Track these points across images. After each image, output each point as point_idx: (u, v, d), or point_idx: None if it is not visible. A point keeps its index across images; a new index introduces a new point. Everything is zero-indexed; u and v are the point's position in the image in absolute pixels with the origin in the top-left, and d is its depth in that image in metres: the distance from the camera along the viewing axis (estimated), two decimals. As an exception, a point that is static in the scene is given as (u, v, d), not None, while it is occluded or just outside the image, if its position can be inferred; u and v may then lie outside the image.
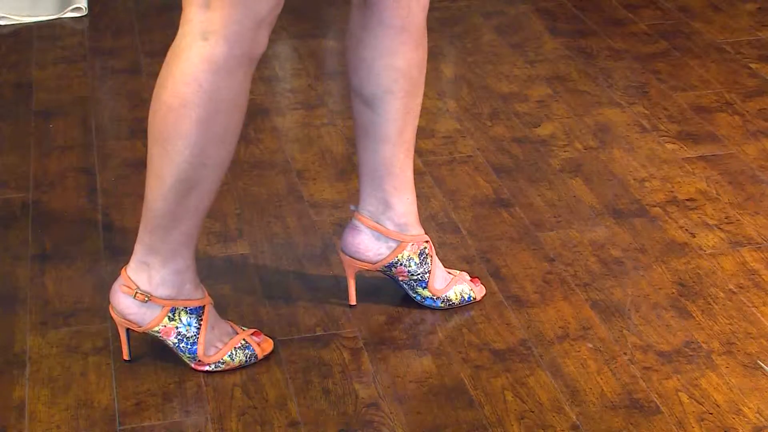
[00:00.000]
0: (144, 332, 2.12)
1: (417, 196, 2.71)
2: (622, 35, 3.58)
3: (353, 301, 2.32)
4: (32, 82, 3.33)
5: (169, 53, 2.00)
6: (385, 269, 2.28)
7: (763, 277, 2.40)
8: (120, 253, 2.51)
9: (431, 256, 2.29)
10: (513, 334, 2.24)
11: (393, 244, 2.26)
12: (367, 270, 2.29)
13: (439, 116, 3.10)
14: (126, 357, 2.17)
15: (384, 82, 2.19)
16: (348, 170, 2.83)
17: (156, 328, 2.11)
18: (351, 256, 2.27)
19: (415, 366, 2.16)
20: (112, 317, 2.14)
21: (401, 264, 2.27)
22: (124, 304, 2.11)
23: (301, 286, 2.39)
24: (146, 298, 2.09)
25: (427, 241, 2.30)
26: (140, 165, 2.86)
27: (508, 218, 2.63)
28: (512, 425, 2.01)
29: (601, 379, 2.12)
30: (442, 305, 2.30)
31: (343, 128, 3.03)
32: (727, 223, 2.59)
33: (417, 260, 2.28)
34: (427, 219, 2.62)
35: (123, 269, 2.12)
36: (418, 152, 2.90)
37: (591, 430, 2.00)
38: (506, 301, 2.34)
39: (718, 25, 3.63)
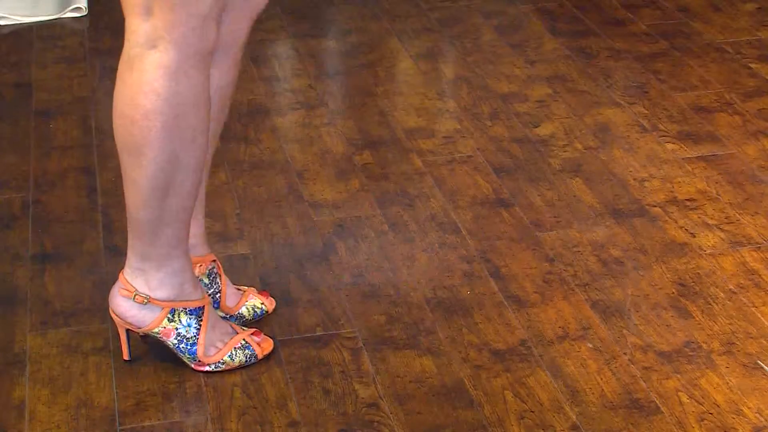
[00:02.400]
0: (144, 333, 2.12)
1: (417, 196, 2.72)
2: (622, 35, 3.58)
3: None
4: (32, 82, 3.33)
5: (120, 66, 1.96)
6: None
7: (763, 277, 2.40)
8: (120, 253, 2.51)
9: (220, 275, 2.25)
10: (513, 334, 2.24)
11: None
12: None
13: (439, 116, 3.10)
14: (126, 357, 2.17)
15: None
16: (348, 170, 2.83)
17: (156, 330, 2.11)
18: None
19: (415, 366, 2.16)
20: (112, 318, 2.14)
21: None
22: (124, 307, 2.11)
23: (301, 286, 2.39)
24: (145, 300, 2.09)
25: (214, 260, 2.25)
26: (140, 165, 2.86)
27: (508, 218, 2.63)
28: (512, 425, 2.01)
29: (601, 379, 2.12)
30: (236, 323, 2.25)
31: (343, 128, 3.03)
32: (727, 223, 2.59)
33: (206, 281, 2.23)
34: (427, 219, 2.62)
35: (120, 273, 2.11)
36: (418, 152, 2.90)
37: (591, 430, 2.00)
38: (506, 301, 2.34)
39: (718, 25, 3.63)
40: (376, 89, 3.25)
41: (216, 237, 2.56)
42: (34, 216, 2.66)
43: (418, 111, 3.12)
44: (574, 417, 2.03)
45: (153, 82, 1.92)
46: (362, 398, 2.08)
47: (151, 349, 2.20)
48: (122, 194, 2.73)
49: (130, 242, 2.08)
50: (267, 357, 2.18)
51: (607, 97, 3.19)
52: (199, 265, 2.22)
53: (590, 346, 2.21)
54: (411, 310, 2.32)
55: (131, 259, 2.09)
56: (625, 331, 2.24)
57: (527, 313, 2.30)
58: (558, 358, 2.17)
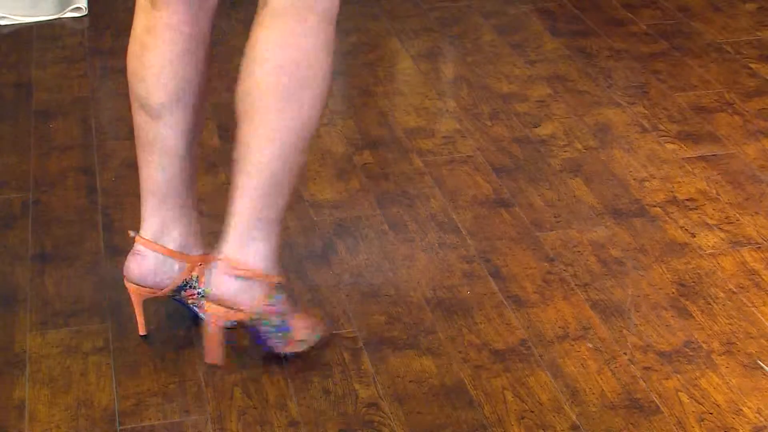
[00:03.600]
0: (248, 318, 2.06)
1: (417, 196, 2.72)
2: (622, 35, 3.58)
3: (143, 330, 2.21)
4: (32, 82, 3.33)
5: (284, 17, 1.96)
6: (174, 293, 2.20)
7: (763, 277, 2.40)
8: (120, 253, 2.51)
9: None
10: (513, 334, 2.24)
11: (181, 266, 2.19)
12: (155, 296, 2.19)
13: (439, 116, 3.10)
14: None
15: (171, 90, 2.12)
16: (348, 170, 2.83)
17: (258, 309, 2.05)
18: (136, 283, 2.17)
19: (415, 366, 2.16)
20: (208, 319, 2.07)
21: (191, 286, 2.20)
22: (234, 288, 2.03)
23: (301, 286, 2.39)
24: (254, 275, 2.04)
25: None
26: (140, 165, 2.86)
27: (508, 218, 2.63)
28: (512, 425, 2.01)
29: (601, 379, 2.12)
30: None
31: (343, 128, 3.03)
32: (727, 223, 2.59)
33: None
34: (427, 219, 2.62)
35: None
36: (418, 152, 2.90)
37: (591, 430, 2.00)
38: (506, 301, 2.34)
39: (718, 25, 3.63)
40: (376, 89, 3.25)
41: (216, 237, 2.56)
42: (34, 216, 2.66)
43: (418, 111, 3.12)
44: (574, 417, 2.03)
45: (331, 37, 1.97)
46: (362, 398, 2.08)
47: (151, 349, 2.20)
48: (122, 194, 2.73)
49: (239, 210, 2.03)
50: (267, 357, 2.18)
51: (607, 97, 3.19)
52: (199, 265, 2.22)
53: (590, 346, 2.21)
54: (411, 310, 2.32)
55: (238, 233, 2.03)
56: (625, 331, 2.24)
57: (527, 313, 2.30)
58: (558, 358, 2.17)
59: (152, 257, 2.17)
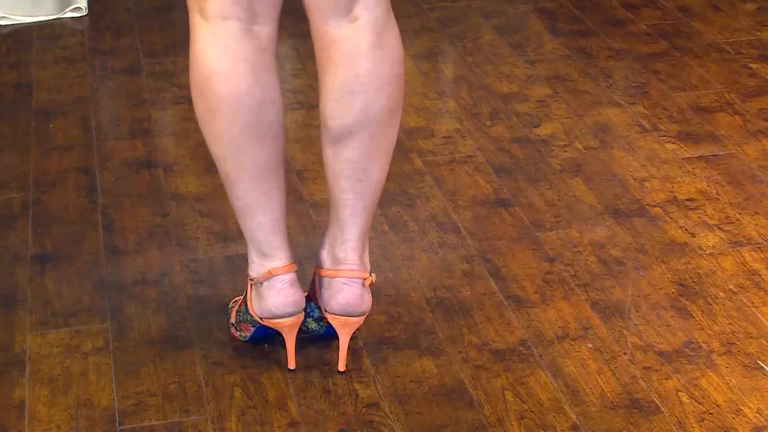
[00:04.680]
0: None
1: (417, 196, 2.72)
2: (622, 35, 3.58)
3: (293, 364, 2.15)
4: (32, 82, 3.33)
5: (377, 32, 1.98)
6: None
7: (763, 277, 2.40)
8: (120, 253, 2.51)
9: None
10: (513, 334, 2.24)
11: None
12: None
13: (439, 116, 3.10)
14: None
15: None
16: (348, 170, 2.83)
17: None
18: (295, 314, 2.10)
19: (415, 366, 2.16)
20: (341, 331, 2.10)
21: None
22: (368, 300, 2.10)
23: (302, 286, 2.39)
24: (371, 281, 2.11)
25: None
26: (140, 165, 2.86)
27: (508, 218, 2.63)
28: (512, 425, 2.01)
29: (601, 379, 2.12)
30: None
31: (343, 128, 3.03)
32: (727, 223, 2.59)
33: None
34: (427, 219, 2.62)
35: (341, 270, 2.08)
36: (418, 152, 2.90)
37: (591, 430, 2.00)
38: (506, 301, 2.34)
39: (718, 25, 3.63)
40: (376, 89, 3.25)
41: (216, 237, 2.56)
42: (34, 216, 2.66)
43: (418, 111, 3.12)
44: (574, 417, 2.03)
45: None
46: (362, 398, 2.08)
47: (151, 349, 2.20)
48: (122, 194, 2.74)
49: (359, 223, 2.07)
50: (267, 357, 2.18)
51: (607, 97, 3.18)
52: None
53: (590, 346, 2.21)
54: (411, 310, 2.32)
55: (358, 248, 2.07)
56: (625, 331, 2.24)
57: (527, 313, 2.30)
58: (558, 358, 2.17)
59: (296, 281, 2.12)
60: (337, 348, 2.17)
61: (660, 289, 2.37)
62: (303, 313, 2.11)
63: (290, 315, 2.09)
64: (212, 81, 1.96)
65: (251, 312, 2.13)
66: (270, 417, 2.04)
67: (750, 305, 2.31)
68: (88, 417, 2.05)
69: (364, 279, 2.08)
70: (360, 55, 1.99)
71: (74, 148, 2.96)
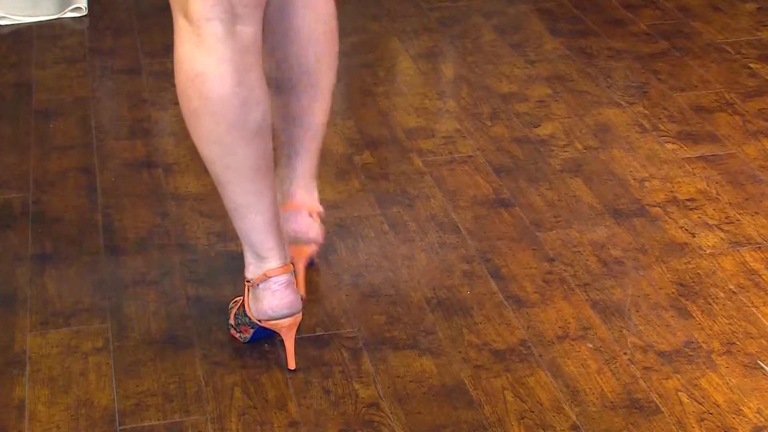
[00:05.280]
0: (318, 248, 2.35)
1: (417, 196, 2.72)
2: (622, 35, 3.58)
3: (294, 364, 2.15)
4: (32, 82, 3.33)
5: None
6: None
7: (763, 277, 2.40)
8: (120, 253, 2.51)
9: None
10: (513, 334, 2.24)
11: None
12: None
13: (439, 116, 3.10)
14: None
15: None
16: (348, 170, 2.83)
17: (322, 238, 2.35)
18: (294, 314, 2.12)
19: (415, 366, 2.16)
20: (298, 258, 2.28)
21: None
22: (314, 228, 2.31)
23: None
24: (317, 213, 2.32)
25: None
26: (140, 165, 2.86)
27: (508, 218, 2.63)
28: (512, 425, 2.01)
29: (601, 379, 2.12)
30: None
31: (343, 128, 3.03)
32: (727, 223, 2.59)
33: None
34: (427, 219, 2.62)
35: (288, 205, 2.27)
36: (418, 152, 2.90)
37: (591, 430, 2.00)
38: (506, 301, 2.34)
39: (718, 25, 3.63)
40: (376, 89, 3.25)
41: (216, 237, 2.56)
42: (34, 216, 2.66)
43: (418, 111, 3.12)
44: (574, 417, 2.03)
45: None
46: (362, 398, 2.08)
47: (151, 349, 2.20)
48: (122, 194, 2.74)
49: (304, 163, 2.28)
50: (266, 357, 2.18)
51: (607, 97, 3.19)
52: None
53: (590, 346, 2.21)
54: (411, 310, 2.32)
55: (309, 178, 2.29)
56: (625, 331, 2.24)
57: (527, 313, 2.30)
58: (558, 358, 2.17)
59: (292, 282, 2.13)
60: (338, 349, 2.17)
61: (660, 289, 2.37)
62: (300, 313, 2.12)
63: (287, 316, 2.11)
64: (197, 82, 1.97)
65: (249, 314, 2.14)
66: (270, 417, 2.04)
67: (750, 305, 2.31)
68: (88, 417, 2.05)
69: (311, 210, 2.28)
70: (293, 12, 2.19)
71: (74, 148, 2.96)
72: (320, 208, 2.31)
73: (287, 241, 2.16)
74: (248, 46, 1.99)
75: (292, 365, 2.14)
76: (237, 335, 2.21)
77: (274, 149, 2.13)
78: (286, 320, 2.11)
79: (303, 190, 2.27)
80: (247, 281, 2.13)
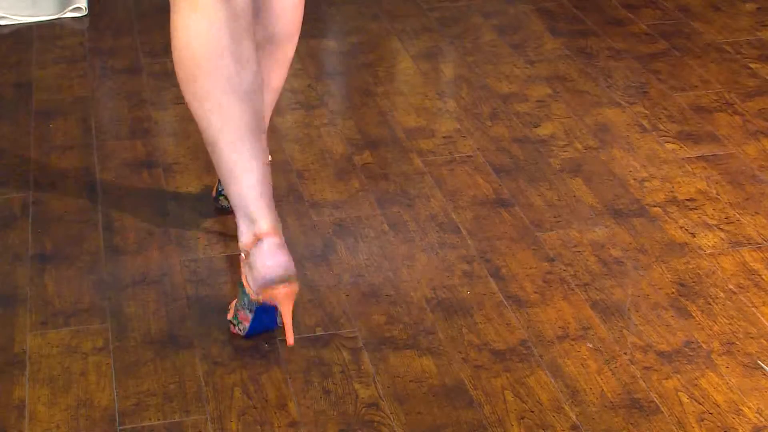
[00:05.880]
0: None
1: (417, 196, 2.72)
2: (622, 35, 3.58)
3: (292, 340, 2.13)
4: (32, 82, 3.33)
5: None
6: None
7: (763, 277, 2.40)
8: (120, 253, 2.51)
9: None
10: (513, 334, 2.24)
11: None
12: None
13: (439, 116, 3.10)
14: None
15: None
16: (348, 170, 2.83)
17: None
18: (291, 279, 2.10)
19: (415, 366, 2.16)
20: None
21: None
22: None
23: (301, 286, 2.39)
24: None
25: None
26: (140, 165, 2.86)
27: (508, 218, 2.63)
28: (512, 425, 2.01)
29: (601, 379, 2.12)
30: None
31: (343, 128, 3.03)
32: (727, 223, 2.59)
33: None
34: (427, 219, 2.62)
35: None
36: (418, 152, 2.90)
37: (591, 430, 2.00)
38: (506, 301, 2.34)
39: (718, 25, 3.63)
40: (376, 89, 3.25)
41: (216, 237, 2.56)
42: (34, 216, 2.66)
43: (418, 111, 3.12)
44: (574, 417, 2.03)
45: None
46: (362, 398, 2.08)
47: (151, 349, 2.20)
48: (122, 194, 2.73)
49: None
50: (267, 357, 2.18)
51: (607, 97, 3.19)
52: None
53: (590, 346, 2.21)
54: (411, 310, 2.32)
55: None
56: (625, 331, 2.24)
57: (527, 313, 2.30)
58: (558, 358, 2.17)
59: (284, 245, 2.13)
60: (338, 349, 2.17)
61: (660, 289, 2.37)
62: (297, 283, 2.10)
63: (282, 277, 2.08)
64: (192, 46, 2.06)
65: (247, 290, 2.14)
66: (270, 417, 2.04)
67: (750, 305, 2.31)
68: (88, 417, 2.05)
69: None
70: None
71: (74, 148, 2.96)
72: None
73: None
74: (240, 12, 2.09)
75: (290, 340, 2.11)
76: (236, 329, 2.21)
77: None
78: (282, 287, 2.08)
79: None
80: (242, 252, 2.13)
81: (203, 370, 2.16)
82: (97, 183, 2.79)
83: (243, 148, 2.08)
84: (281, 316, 2.12)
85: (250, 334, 2.20)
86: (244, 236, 2.12)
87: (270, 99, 2.46)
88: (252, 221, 2.11)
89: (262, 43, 2.36)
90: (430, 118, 3.09)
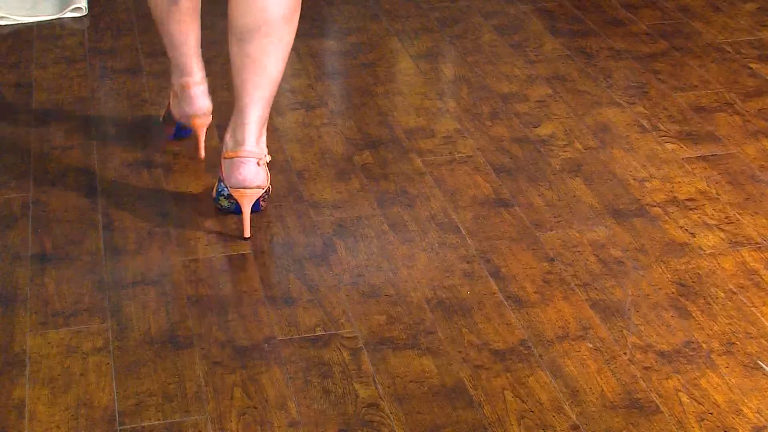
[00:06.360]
0: (263, 192, 2.56)
1: (417, 196, 2.72)
2: (622, 35, 3.58)
3: (203, 154, 2.85)
4: (32, 82, 3.33)
5: None
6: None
7: (763, 277, 2.40)
8: (120, 253, 2.51)
9: None
10: (513, 334, 2.24)
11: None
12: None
13: (439, 116, 3.10)
14: (248, 234, 2.55)
15: None
16: (348, 170, 2.83)
17: (268, 185, 2.57)
18: (206, 114, 2.79)
19: (415, 366, 2.16)
20: (239, 200, 2.51)
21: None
22: (260, 176, 2.53)
23: (301, 286, 2.39)
24: (265, 161, 2.55)
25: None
26: (140, 165, 2.86)
27: (508, 218, 2.63)
28: (512, 425, 2.01)
29: (601, 379, 2.12)
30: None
31: (343, 128, 3.03)
32: (727, 223, 2.59)
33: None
34: (427, 219, 2.62)
35: (240, 151, 2.51)
36: (418, 152, 2.90)
37: (591, 430, 2.00)
38: (506, 301, 2.34)
39: (718, 25, 3.63)
40: (376, 89, 3.25)
41: (216, 237, 2.56)
42: (34, 216, 2.66)
43: (418, 111, 3.12)
44: (574, 417, 2.03)
45: None
46: (362, 398, 2.08)
47: (151, 349, 2.20)
48: (122, 194, 2.74)
49: (257, 111, 2.51)
50: (267, 357, 2.18)
51: (607, 97, 3.19)
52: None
53: (590, 346, 2.21)
54: (411, 310, 2.32)
55: (259, 127, 2.51)
56: (625, 331, 2.24)
57: (527, 313, 2.30)
58: (558, 358, 2.17)
59: (206, 92, 2.78)
60: (338, 349, 2.17)
61: (660, 289, 2.37)
62: (210, 116, 2.80)
63: (197, 114, 2.78)
64: None
65: (173, 113, 2.83)
66: (270, 417, 2.04)
67: (750, 305, 2.31)
68: (88, 417, 2.05)
69: (259, 159, 2.52)
70: None
71: (74, 148, 2.96)
72: (268, 157, 2.56)
73: (233, 185, 2.52)
74: None
75: (202, 155, 2.85)
76: (164, 132, 2.95)
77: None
78: (200, 118, 2.79)
79: (252, 137, 2.52)
80: (172, 85, 2.81)
81: (203, 370, 2.16)
82: (97, 183, 2.79)
83: (182, 26, 2.70)
84: (197, 137, 2.84)
85: (173, 139, 2.93)
86: (177, 80, 2.78)
87: (268, 87, 2.50)
88: (183, 74, 2.76)
89: (258, 24, 2.44)
90: (430, 118, 3.09)
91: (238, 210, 2.58)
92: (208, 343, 2.23)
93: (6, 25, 3.71)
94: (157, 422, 2.04)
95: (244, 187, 2.51)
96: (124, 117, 3.13)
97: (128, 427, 2.03)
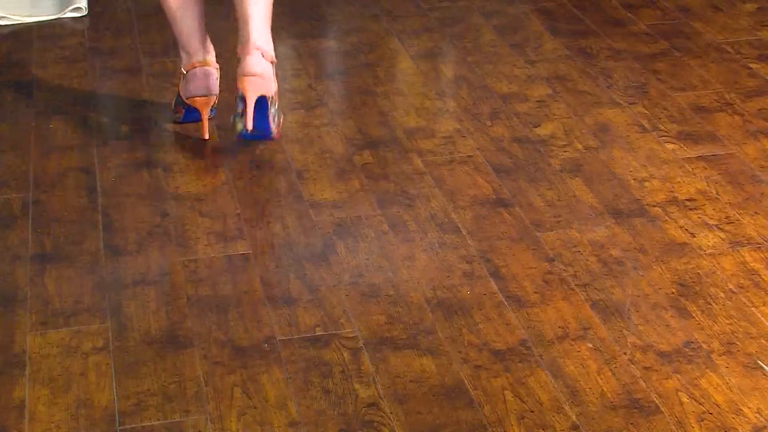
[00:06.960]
0: (270, 95, 2.78)
1: (417, 196, 2.72)
2: (622, 35, 3.58)
3: (208, 135, 2.96)
4: (32, 82, 3.33)
5: None
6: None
7: (763, 277, 2.40)
8: (120, 253, 2.51)
9: None
10: (513, 334, 2.24)
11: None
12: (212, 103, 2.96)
13: (439, 116, 3.10)
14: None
15: None
16: (348, 170, 2.83)
17: (275, 88, 2.82)
18: (207, 95, 2.94)
19: (415, 366, 2.16)
20: (244, 90, 2.73)
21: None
22: (267, 70, 2.78)
23: (301, 286, 2.39)
24: (272, 61, 2.82)
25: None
26: (140, 165, 2.86)
27: (508, 218, 2.63)
28: (512, 425, 2.01)
29: (601, 379, 2.12)
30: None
31: (343, 128, 3.03)
32: (727, 223, 2.59)
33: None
34: (427, 219, 2.62)
35: (248, 46, 2.75)
36: (418, 152, 2.90)
37: (591, 430, 2.00)
38: (506, 301, 2.34)
39: (718, 25, 3.63)
40: (376, 89, 3.25)
41: (216, 237, 2.56)
42: (34, 216, 2.66)
43: (418, 111, 3.12)
44: (574, 417, 2.03)
45: None
46: (362, 398, 2.08)
47: (151, 348, 2.20)
48: (122, 194, 2.74)
49: (266, 10, 2.79)
50: (267, 357, 2.18)
51: (607, 97, 3.19)
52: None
53: (590, 346, 2.21)
54: (411, 310, 2.32)
55: (264, 25, 2.78)
56: (625, 331, 2.24)
57: (527, 313, 2.30)
58: (558, 358, 2.17)
59: (215, 73, 2.94)
60: (338, 349, 2.17)
61: (660, 289, 2.37)
62: (215, 96, 2.94)
63: (204, 95, 2.93)
64: None
65: (181, 94, 2.97)
66: (270, 417, 2.04)
67: (750, 305, 2.31)
68: (88, 417, 2.05)
69: (264, 53, 2.76)
70: None
71: (74, 148, 2.96)
72: (274, 58, 2.81)
73: (240, 74, 2.76)
74: None
75: (206, 135, 2.95)
76: (175, 116, 3.04)
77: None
78: (202, 98, 2.93)
79: (258, 34, 2.77)
80: (182, 71, 2.95)
81: (203, 370, 2.16)
82: (97, 183, 2.79)
83: (187, 9, 2.91)
84: (202, 118, 2.96)
85: (182, 122, 3.03)
86: (184, 62, 2.95)
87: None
88: (190, 55, 2.93)
89: None
90: (430, 118, 3.09)
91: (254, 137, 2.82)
92: (208, 343, 2.23)
93: (6, 25, 3.71)
94: (157, 422, 2.04)
95: (248, 74, 2.75)
96: (124, 117, 3.13)
97: (128, 427, 2.03)
